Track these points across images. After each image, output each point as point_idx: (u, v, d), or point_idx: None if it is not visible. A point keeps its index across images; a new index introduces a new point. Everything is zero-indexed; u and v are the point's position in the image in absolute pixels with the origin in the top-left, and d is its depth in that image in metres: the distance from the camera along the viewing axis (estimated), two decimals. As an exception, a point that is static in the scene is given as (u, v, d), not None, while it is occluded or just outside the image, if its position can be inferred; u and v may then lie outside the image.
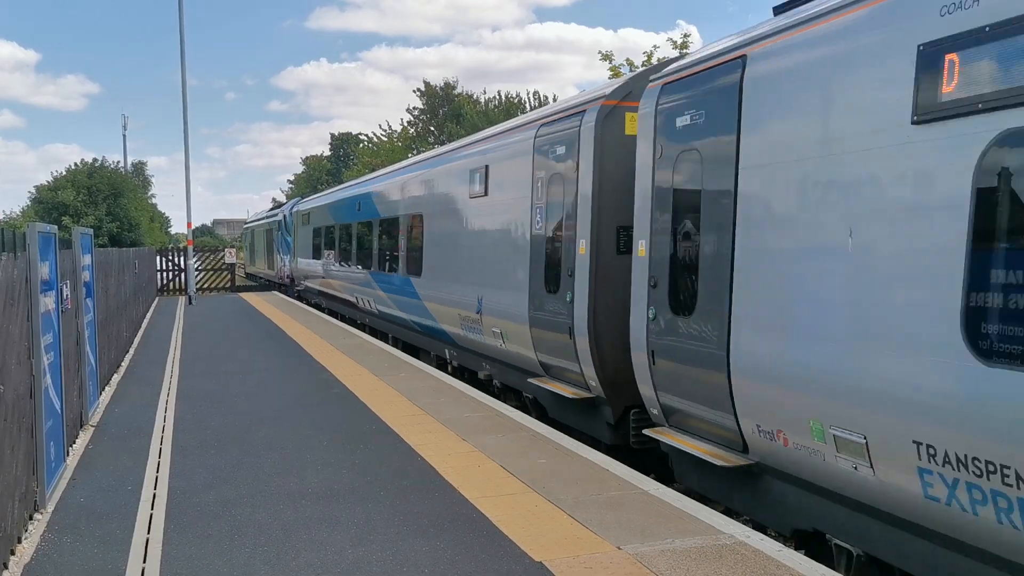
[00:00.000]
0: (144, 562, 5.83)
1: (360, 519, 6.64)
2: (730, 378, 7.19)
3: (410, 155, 42.23)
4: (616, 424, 9.89)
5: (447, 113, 56.78)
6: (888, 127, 5.64)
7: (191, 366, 14.90)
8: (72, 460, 8.53)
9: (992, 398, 4.86)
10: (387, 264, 19.74)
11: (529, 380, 11.66)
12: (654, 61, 28.55)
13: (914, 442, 5.35)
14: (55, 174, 52.09)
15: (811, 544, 6.75)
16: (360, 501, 7.09)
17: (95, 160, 54.59)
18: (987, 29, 4.96)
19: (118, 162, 58.06)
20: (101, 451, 8.97)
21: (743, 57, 7.32)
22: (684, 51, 23.82)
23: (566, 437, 9.43)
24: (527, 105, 50.30)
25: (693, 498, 7.41)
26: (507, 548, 5.98)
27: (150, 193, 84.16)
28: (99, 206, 50.44)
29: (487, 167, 13.42)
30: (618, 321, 9.43)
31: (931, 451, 5.25)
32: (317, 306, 29.78)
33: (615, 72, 30.69)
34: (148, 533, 6.41)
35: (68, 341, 8.80)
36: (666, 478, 8.75)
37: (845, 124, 6.06)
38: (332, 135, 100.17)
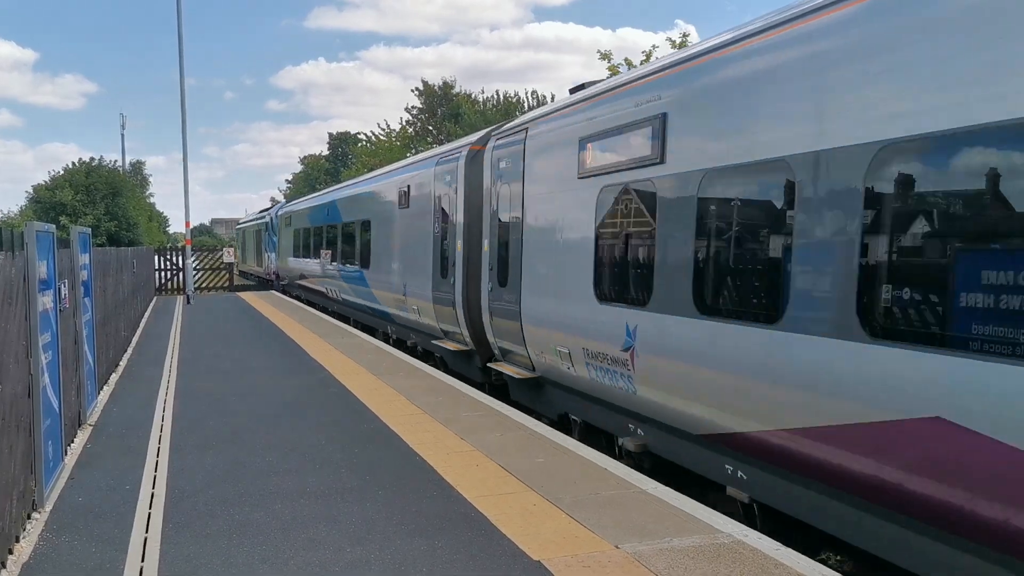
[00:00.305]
0: (142, 561, 5.83)
1: (358, 518, 6.65)
2: (521, 324, 11.76)
3: (408, 154, 42.26)
4: (483, 368, 13.97)
5: (445, 113, 56.80)
6: (571, 177, 10.32)
7: (189, 365, 14.90)
8: (70, 459, 8.53)
9: (602, 323, 9.38)
10: (346, 259, 24.47)
11: (433, 342, 16.02)
12: (652, 60, 28.56)
13: (583, 349, 9.88)
14: (52, 174, 52.02)
15: (564, 422, 11.12)
16: (358, 500, 7.10)
17: (93, 159, 54.55)
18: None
19: (116, 161, 58.03)
20: (99, 450, 8.97)
21: (526, 128, 12.05)
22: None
23: (563, 436, 9.45)
24: (525, 104, 50.31)
25: (522, 411, 11.03)
26: (505, 547, 5.98)
27: (148, 192, 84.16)
28: (97, 205, 50.41)
29: (409, 186, 18.20)
30: (478, 297, 13.77)
31: (588, 352, 9.77)
32: (298, 298, 34.13)
33: (613, 71, 30.72)
34: (146, 532, 6.42)
35: (66, 340, 8.80)
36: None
37: (558, 173, 10.79)
38: (330, 134, 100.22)
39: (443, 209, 15.53)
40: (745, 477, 7.13)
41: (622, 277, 9.24)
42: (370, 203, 22.05)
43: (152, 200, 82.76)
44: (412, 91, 60.91)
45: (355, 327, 21.98)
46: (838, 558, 7.20)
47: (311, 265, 30.66)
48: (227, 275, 40.17)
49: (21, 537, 6.30)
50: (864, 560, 6.17)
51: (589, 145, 9.89)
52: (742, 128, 7.14)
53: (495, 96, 54.64)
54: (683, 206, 7.88)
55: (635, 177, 8.85)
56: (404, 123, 59.89)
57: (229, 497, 7.22)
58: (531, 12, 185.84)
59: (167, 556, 5.91)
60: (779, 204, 6.77)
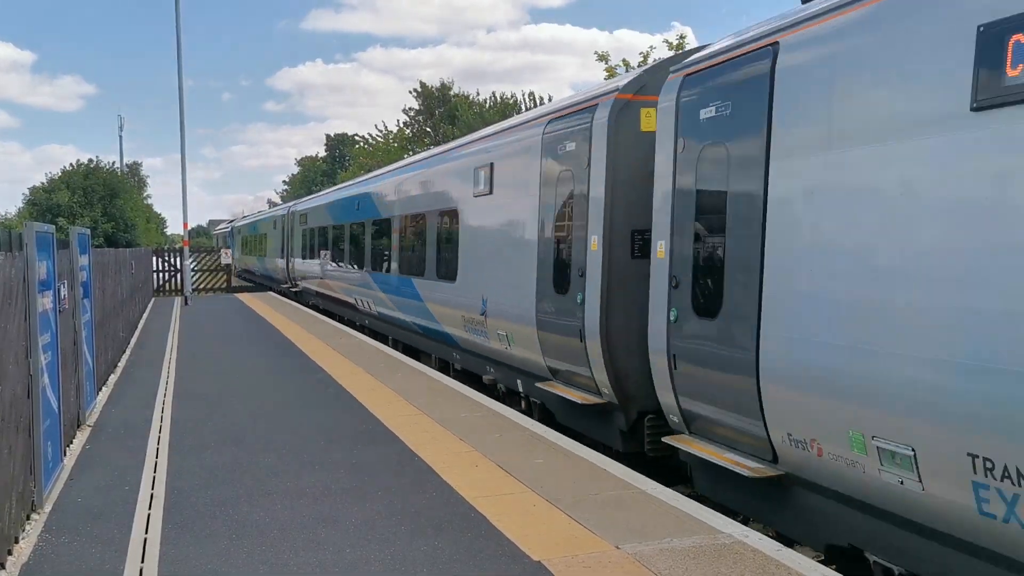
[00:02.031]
0: (142, 562, 5.82)
1: (358, 519, 6.64)
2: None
3: (406, 156, 42.25)
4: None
5: (443, 114, 56.79)
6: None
7: (188, 366, 14.89)
8: (69, 460, 8.52)
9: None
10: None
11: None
12: (650, 61, 28.57)
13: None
14: (50, 175, 51.94)
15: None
16: (358, 501, 7.09)
17: (90, 161, 54.54)
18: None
19: (113, 163, 58.03)
20: (98, 451, 8.96)
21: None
22: (679, 52, 24.05)
23: (563, 437, 9.44)
24: (522, 106, 50.30)
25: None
26: (506, 547, 5.98)
27: (146, 194, 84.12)
28: (95, 207, 50.40)
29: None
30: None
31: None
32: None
33: (611, 72, 30.75)
34: (146, 533, 6.41)
35: (65, 341, 8.79)
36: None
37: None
38: (328, 136, 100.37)
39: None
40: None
41: None
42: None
43: (150, 201, 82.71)
44: (410, 92, 60.81)
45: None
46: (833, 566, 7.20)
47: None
48: (225, 276, 40.10)
49: (20, 538, 6.28)
50: (864, 561, 6.15)
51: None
52: None
53: (492, 97, 54.61)
54: None
55: None
56: (401, 124, 59.89)
57: (229, 498, 7.21)
58: (527, 13, 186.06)
59: (167, 557, 5.90)
60: None
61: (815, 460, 6.35)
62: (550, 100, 42.12)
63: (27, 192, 51.25)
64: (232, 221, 61.96)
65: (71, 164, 54.55)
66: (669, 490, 7.34)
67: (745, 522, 7.35)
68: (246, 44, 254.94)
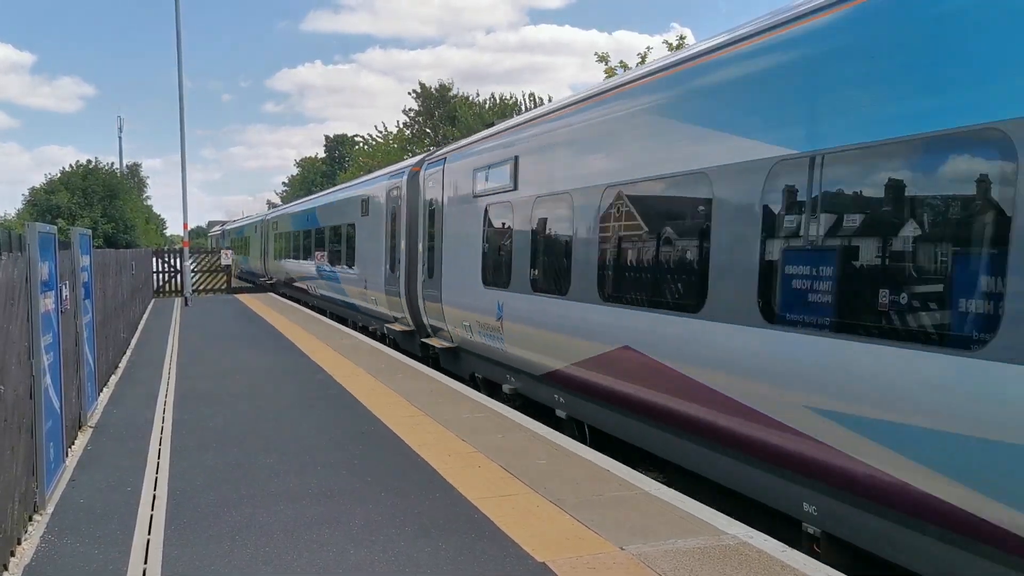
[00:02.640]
0: (145, 563, 5.81)
1: (361, 520, 6.63)
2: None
3: (405, 157, 42.27)
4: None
5: (443, 115, 56.78)
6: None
7: (188, 367, 14.87)
8: (71, 461, 8.50)
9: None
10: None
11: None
12: (648, 61, 28.57)
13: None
14: (49, 176, 51.92)
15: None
16: (361, 502, 7.08)
17: (90, 162, 54.51)
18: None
19: (113, 164, 58.01)
20: (100, 452, 8.94)
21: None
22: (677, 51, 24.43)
23: (565, 437, 9.44)
24: (522, 106, 50.30)
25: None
26: (510, 549, 5.97)
27: (145, 195, 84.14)
28: (94, 208, 50.36)
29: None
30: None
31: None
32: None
33: (610, 72, 30.75)
34: (148, 534, 6.39)
35: (67, 341, 8.77)
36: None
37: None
38: (327, 137, 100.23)
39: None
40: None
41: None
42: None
43: (149, 202, 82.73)
44: (409, 93, 60.75)
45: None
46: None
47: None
48: (224, 277, 40.05)
49: (23, 539, 6.27)
50: (867, 560, 6.15)
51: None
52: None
53: (492, 98, 54.60)
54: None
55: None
56: (401, 125, 59.87)
57: (231, 499, 7.20)
58: (526, 15, 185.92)
59: (169, 558, 5.88)
60: None
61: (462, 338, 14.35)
62: (550, 100, 42.11)
63: (27, 193, 51.20)
64: (224, 224, 74.53)
65: (70, 165, 54.51)
66: (671, 491, 7.33)
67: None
68: (245, 45, 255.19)
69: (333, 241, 26.27)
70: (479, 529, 6.39)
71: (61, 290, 8.32)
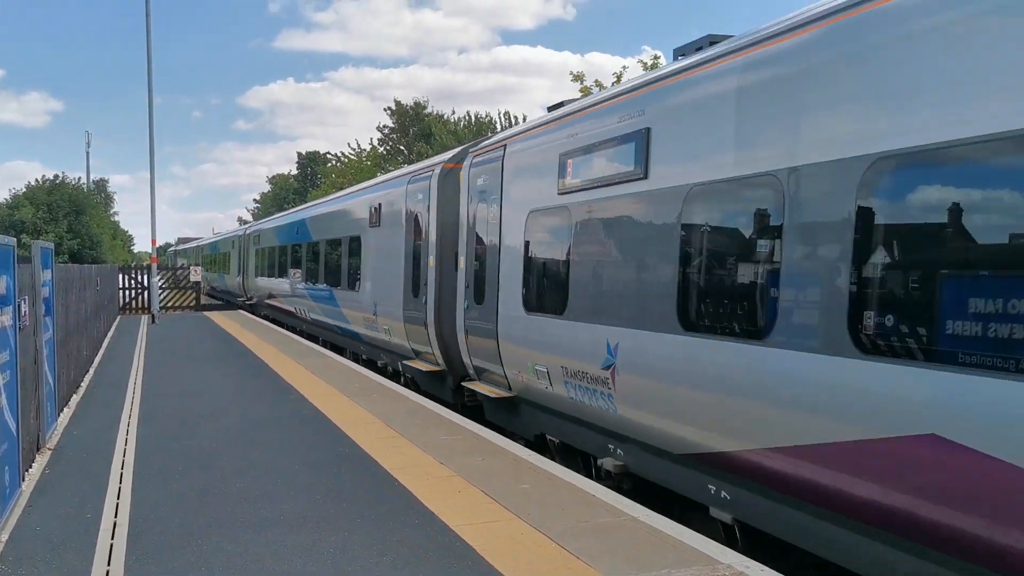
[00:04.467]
0: (104, 597, 5.42)
1: (337, 549, 6.27)
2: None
3: (379, 173, 41.93)
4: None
5: (417, 132, 56.57)
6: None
7: (154, 386, 14.38)
8: (28, 486, 8.05)
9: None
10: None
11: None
12: (623, 80, 28.57)
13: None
14: (14, 191, 51.05)
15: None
16: (336, 530, 6.71)
17: (56, 177, 53.68)
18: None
19: (80, 179, 57.17)
20: (59, 476, 8.50)
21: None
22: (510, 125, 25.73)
23: (548, 461, 9.12)
24: (497, 125, 50.23)
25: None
26: (495, 580, 5.64)
27: (112, 211, 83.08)
28: (59, 223, 49.55)
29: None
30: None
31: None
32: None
33: (586, 91, 30.73)
34: (108, 565, 6.00)
35: (25, 360, 8.34)
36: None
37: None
38: (299, 154, 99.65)
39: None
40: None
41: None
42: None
43: (116, 218, 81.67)
44: (384, 110, 60.63)
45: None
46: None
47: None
48: (193, 294, 39.36)
49: (-28, 571, 5.85)
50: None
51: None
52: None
53: (467, 116, 54.50)
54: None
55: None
56: (375, 142, 59.56)
57: (197, 527, 6.80)
58: (499, 36, 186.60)
59: (131, 592, 5.49)
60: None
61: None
62: (524, 119, 42.04)
63: (-10, 208, 50.25)
64: (189, 241, 76.82)
65: (36, 180, 53.66)
66: (662, 517, 7.03)
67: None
68: (217, 62, 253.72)
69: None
70: (461, 558, 6.05)
71: (20, 305, 7.91)
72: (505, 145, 11.65)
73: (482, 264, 12.03)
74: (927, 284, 5.20)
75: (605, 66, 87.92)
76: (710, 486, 7.15)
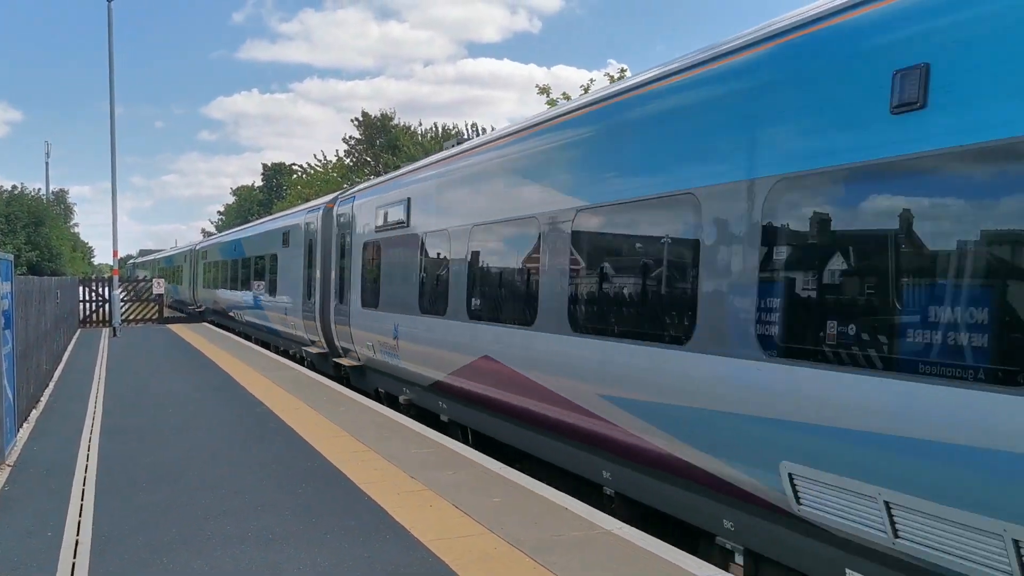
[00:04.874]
0: (66, 619, 5.24)
1: (306, 566, 6.14)
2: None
3: (345, 185, 41.73)
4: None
5: (384, 144, 56.36)
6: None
7: (116, 400, 14.10)
8: (-15, 503, 7.82)
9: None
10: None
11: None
12: (590, 91, 28.69)
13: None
14: (-30, 202, 50.10)
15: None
16: (305, 546, 6.58)
17: (14, 187, 52.77)
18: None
19: (39, 190, 56.23)
20: (18, 493, 8.26)
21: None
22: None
23: (518, 473, 9.04)
24: (466, 136, 50.20)
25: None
26: (469, 596, 5.55)
27: (73, 222, 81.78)
28: (18, 234, 48.66)
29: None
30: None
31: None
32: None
33: (552, 103, 30.81)
34: (70, 585, 5.82)
35: (-17, 373, 8.11)
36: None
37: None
38: (264, 165, 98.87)
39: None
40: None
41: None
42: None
43: (77, 230, 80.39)
44: (351, 121, 60.26)
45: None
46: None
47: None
48: (156, 307, 38.78)
49: (-74, 593, 5.65)
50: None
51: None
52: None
53: (434, 128, 54.41)
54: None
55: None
56: (341, 154, 59.24)
57: (161, 544, 6.64)
58: (465, 48, 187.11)
59: (94, 612, 5.33)
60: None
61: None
62: (492, 129, 42.09)
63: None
64: (138, 257, 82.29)
65: (-6, 190, 52.64)
66: (635, 530, 6.98)
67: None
68: (180, 72, 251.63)
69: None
70: (434, 575, 5.95)
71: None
72: (354, 196, 17.67)
73: (342, 274, 17.84)
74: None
75: (572, 79, 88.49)
76: (440, 402, 12.41)
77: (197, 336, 28.78)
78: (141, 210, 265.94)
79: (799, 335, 5.76)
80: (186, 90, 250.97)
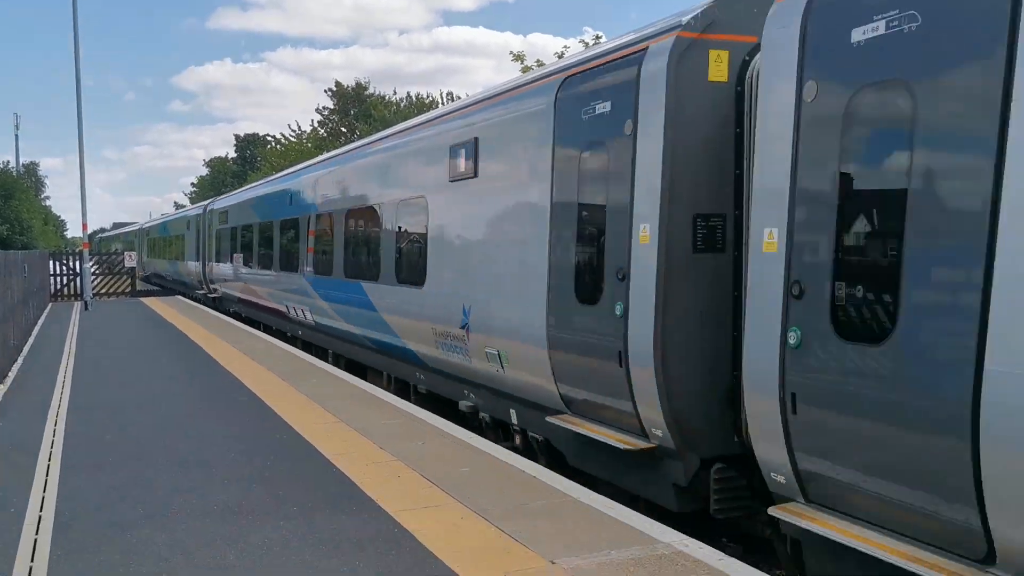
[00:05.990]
0: (25, 596, 5.20)
1: (272, 539, 6.11)
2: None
3: (317, 155, 41.35)
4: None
5: (358, 113, 55.84)
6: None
7: (85, 375, 13.97)
8: (-54, 481, 7.73)
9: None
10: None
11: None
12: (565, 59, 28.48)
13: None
14: (-63, 175, 49.28)
15: None
16: (271, 519, 6.56)
17: (-18, 160, 51.95)
18: None
19: (8, 162, 55.37)
20: (-20, 470, 8.18)
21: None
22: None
23: (489, 443, 9.05)
24: (440, 104, 49.79)
25: None
26: (433, 567, 5.55)
27: (44, 195, 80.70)
28: (-13, 208, 47.94)
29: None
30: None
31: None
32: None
33: (526, 70, 30.60)
34: (32, 561, 5.77)
35: (-58, 350, 8.00)
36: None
37: None
38: (237, 136, 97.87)
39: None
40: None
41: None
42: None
43: (48, 203, 79.34)
44: (325, 91, 59.64)
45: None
46: (779, 573, 6.97)
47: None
48: (128, 280, 38.43)
49: None
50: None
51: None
52: None
53: (408, 97, 53.92)
54: None
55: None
56: (316, 124, 58.66)
57: (126, 519, 6.59)
58: (440, 16, 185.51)
59: (54, 589, 5.29)
60: None
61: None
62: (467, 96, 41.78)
63: (-88, 193, 48.36)
64: (112, 230, 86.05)
65: (-39, 164, 51.77)
66: (604, 498, 7.00)
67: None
68: (149, 42, 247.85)
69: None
70: (400, 545, 5.95)
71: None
72: (215, 201, 23.53)
73: (216, 247, 29.03)
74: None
75: (548, 47, 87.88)
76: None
77: (169, 309, 28.54)
78: (114, 182, 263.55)
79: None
80: (156, 60, 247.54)
